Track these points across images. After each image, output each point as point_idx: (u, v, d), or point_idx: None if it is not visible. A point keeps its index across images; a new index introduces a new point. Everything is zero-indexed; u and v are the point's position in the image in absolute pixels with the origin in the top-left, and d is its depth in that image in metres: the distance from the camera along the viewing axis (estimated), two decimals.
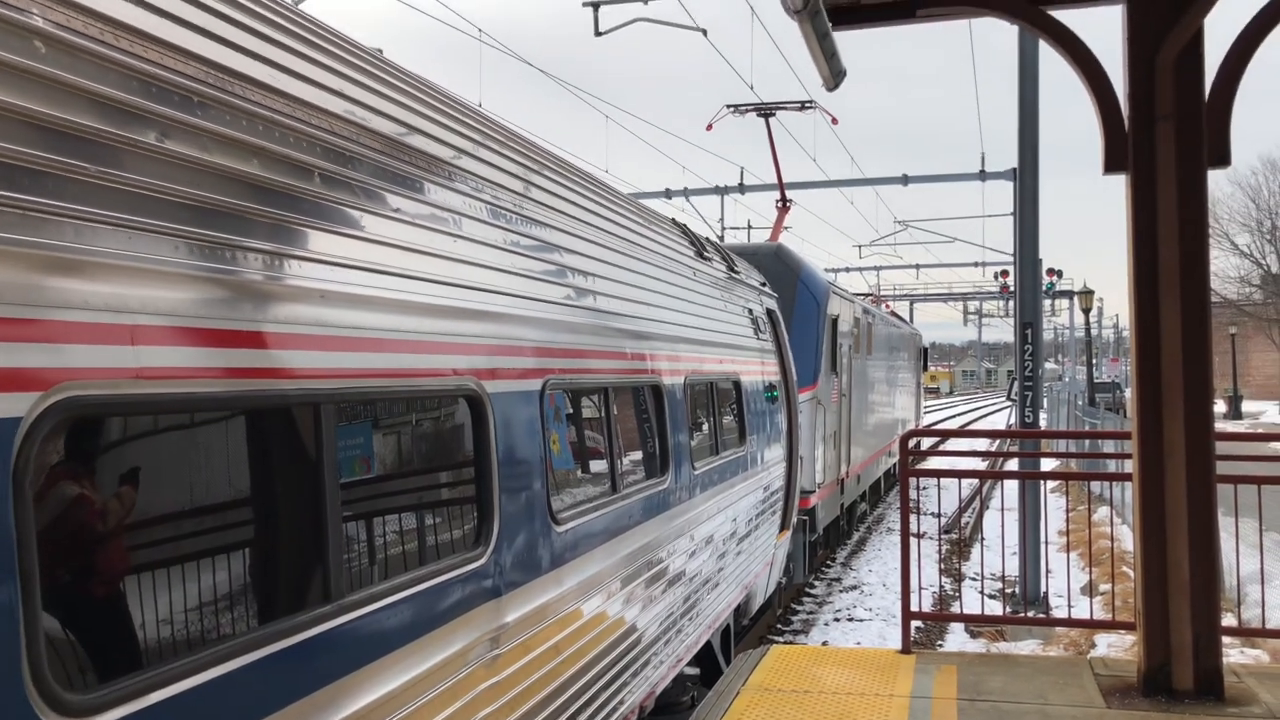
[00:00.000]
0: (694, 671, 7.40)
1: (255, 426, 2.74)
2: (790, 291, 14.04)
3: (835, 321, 15.95)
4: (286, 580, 2.80)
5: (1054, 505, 20.41)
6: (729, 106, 19.06)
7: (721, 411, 7.98)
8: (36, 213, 2.11)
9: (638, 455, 6.01)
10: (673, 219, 8.74)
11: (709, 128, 20.21)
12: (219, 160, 2.67)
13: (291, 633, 2.70)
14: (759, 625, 12.63)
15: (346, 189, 3.19)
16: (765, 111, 18.73)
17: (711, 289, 8.23)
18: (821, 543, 16.63)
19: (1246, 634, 8.66)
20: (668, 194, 26.30)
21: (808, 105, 19.04)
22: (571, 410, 5.05)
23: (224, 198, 2.62)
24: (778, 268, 14.02)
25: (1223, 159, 5.76)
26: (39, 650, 1.99)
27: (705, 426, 7.49)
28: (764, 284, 10.84)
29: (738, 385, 8.51)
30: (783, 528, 10.59)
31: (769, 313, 10.47)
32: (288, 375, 2.75)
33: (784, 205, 19.82)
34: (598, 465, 5.36)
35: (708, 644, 7.67)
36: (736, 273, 9.44)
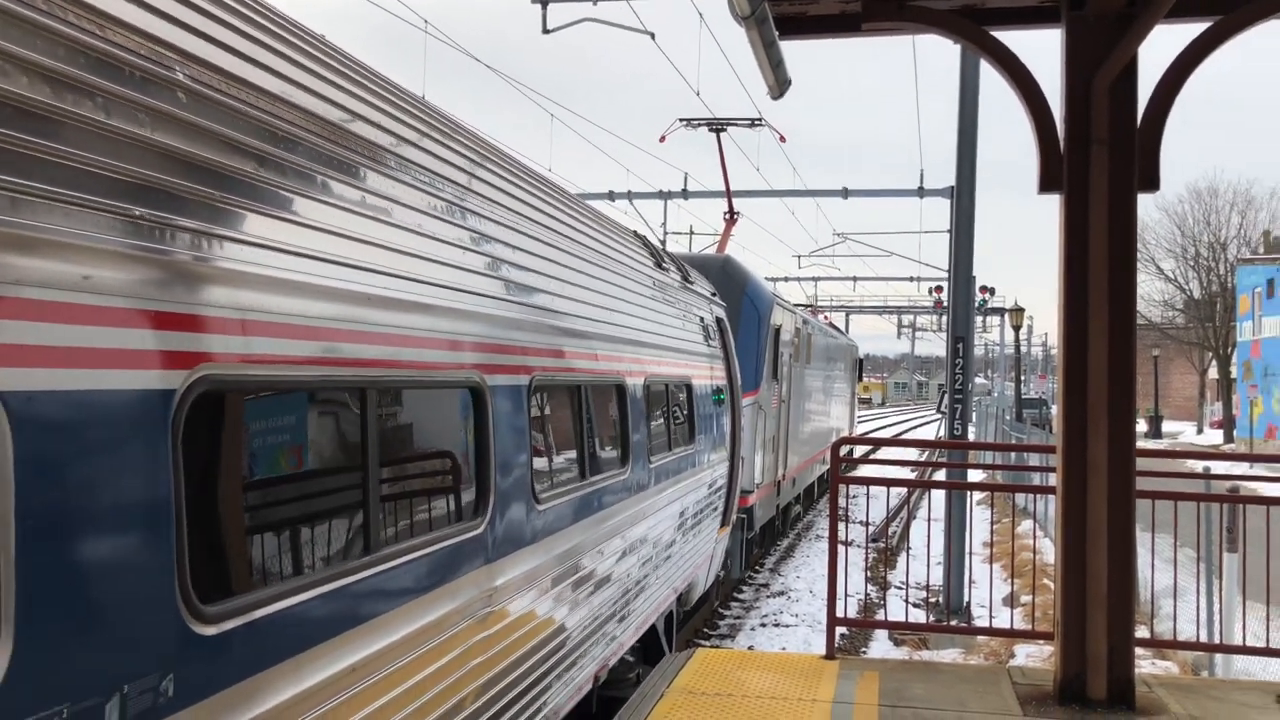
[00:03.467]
0: (636, 660, 7.89)
1: (328, 406, 3.40)
2: (737, 301, 14.57)
3: (778, 331, 16.52)
4: (340, 535, 3.39)
5: (980, 517, 20.81)
6: (681, 120, 19.70)
7: (674, 411, 8.57)
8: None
9: (604, 447, 6.56)
10: (634, 231, 9.14)
11: (662, 139, 20.68)
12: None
13: (347, 574, 3.30)
14: (686, 629, 12.75)
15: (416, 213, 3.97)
16: (716, 127, 19.15)
17: (669, 297, 8.79)
18: (758, 541, 17.19)
19: (1159, 645, 8.91)
20: (611, 196, 26.25)
21: (757, 123, 19.54)
22: (551, 404, 5.59)
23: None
24: (725, 278, 14.54)
25: (1153, 183, 5.93)
26: (185, 570, 2.53)
27: (660, 424, 8.05)
28: (714, 293, 11.33)
29: (689, 388, 9.05)
30: (723, 523, 11.06)
31: (718, 321, 10.99)
32: (352, 364, 3.37)
33: (731, 218, 20.28)
34: (571, 454, 5.94)
35: (653, 627, 8.10)
36: (690, 282, 9.99)
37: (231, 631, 2.70)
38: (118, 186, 2.43)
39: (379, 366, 3.56)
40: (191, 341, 2.61)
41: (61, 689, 2.14)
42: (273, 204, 3.03)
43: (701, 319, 10.12)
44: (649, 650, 8.40)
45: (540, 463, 5.24)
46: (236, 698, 2.70)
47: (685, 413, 8.97)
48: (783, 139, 21.89)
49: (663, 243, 27.82)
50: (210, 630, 2.62)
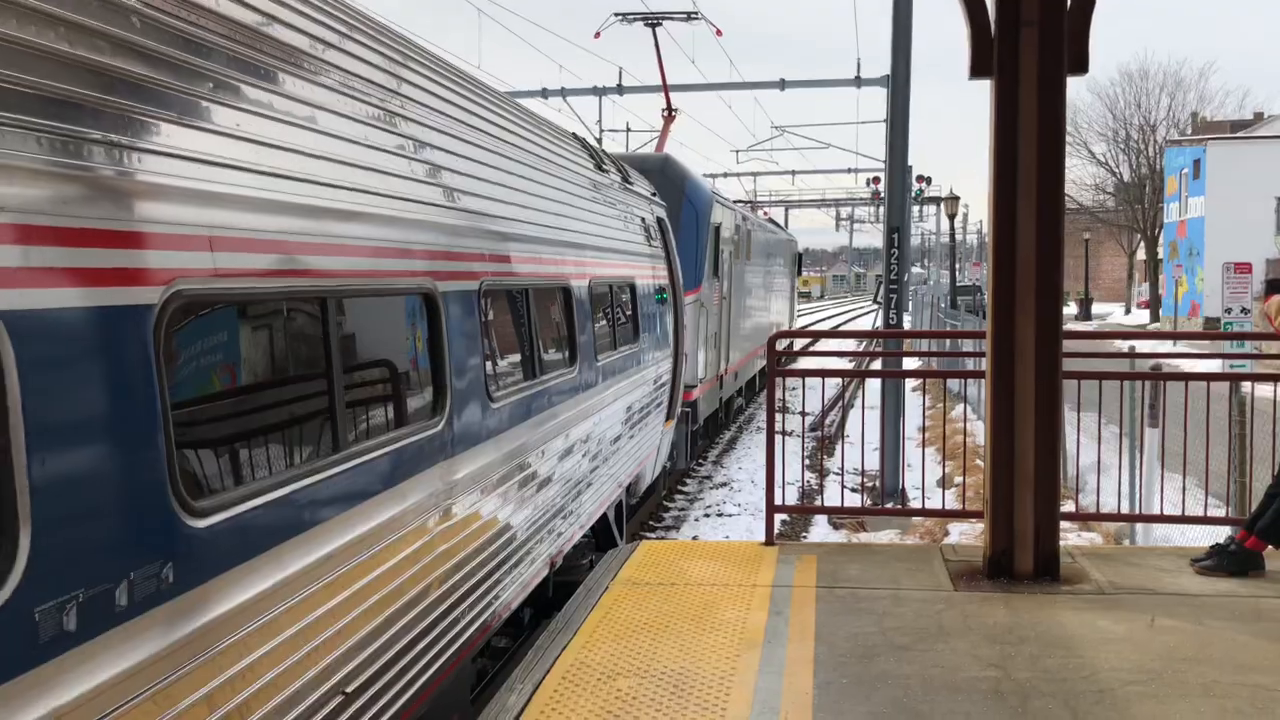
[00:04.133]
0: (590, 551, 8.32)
1: (303, 315, 3.66)
2: (677, 200, 14.81)
3: (718, 229, 16.84)
4: (312, 435, 3.67)
5: (914, 403, 21.30)
6: (616, 15, 19.59)
7: (619, 311, 8.88)
8: None
9: (552, 348, 6.87)
10: (574, 134, 9.20)
11: (596, 35, 20.46)
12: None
13: (320, 470, 3.57)
14: (635, 518, 13.08)
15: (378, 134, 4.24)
16: (652, 22, 19.08)
17: (610, 199, 8.98)
18: (702, 433, 17.85)
19: (1083, 519, 9.28)
20: (544, 94, 25.63)
21: (693, 16, 19.44)
22: (500, 309, 5.85)
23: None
24: (665, 178, 14.70)
25: (1081, 66, 5.93)
26: (175, 467, 2.78)
27: (605, 325, 8.37)
28: (654, 194, 11.59)
29: (632, 288, 9.35)
30: (669, 417, 11.50)
31: (659, 221, 11.26)
32: (311, 275, 3.58)
33: (669, 115, 20.33)
34: (521, 356, 6.25)
35: (604, 517, 8.51)
36: (630, 184, 10.19)
37: (219, 524, 2.97)
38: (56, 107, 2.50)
39: (336, 277, 3.77)
40: (165, 259, 2.81)
41: (76, 577, 2.43)
42: (224, 122, 3.17)
43: (643, 219, 10.32)
44: (600, 539, 8.79)
45: (492, 365, 5.50)
46: (226, 584, 2.99)
47: (629, 313, 9.25)
48: (719, 32, 21.71)
49: (599, 141, 27.42)
50: (201, 524, 2.89)
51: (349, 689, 3.72)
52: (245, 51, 3.34)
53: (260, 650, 3.15)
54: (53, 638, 2.34)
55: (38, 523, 2.32)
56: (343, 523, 3.71)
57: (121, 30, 2.77)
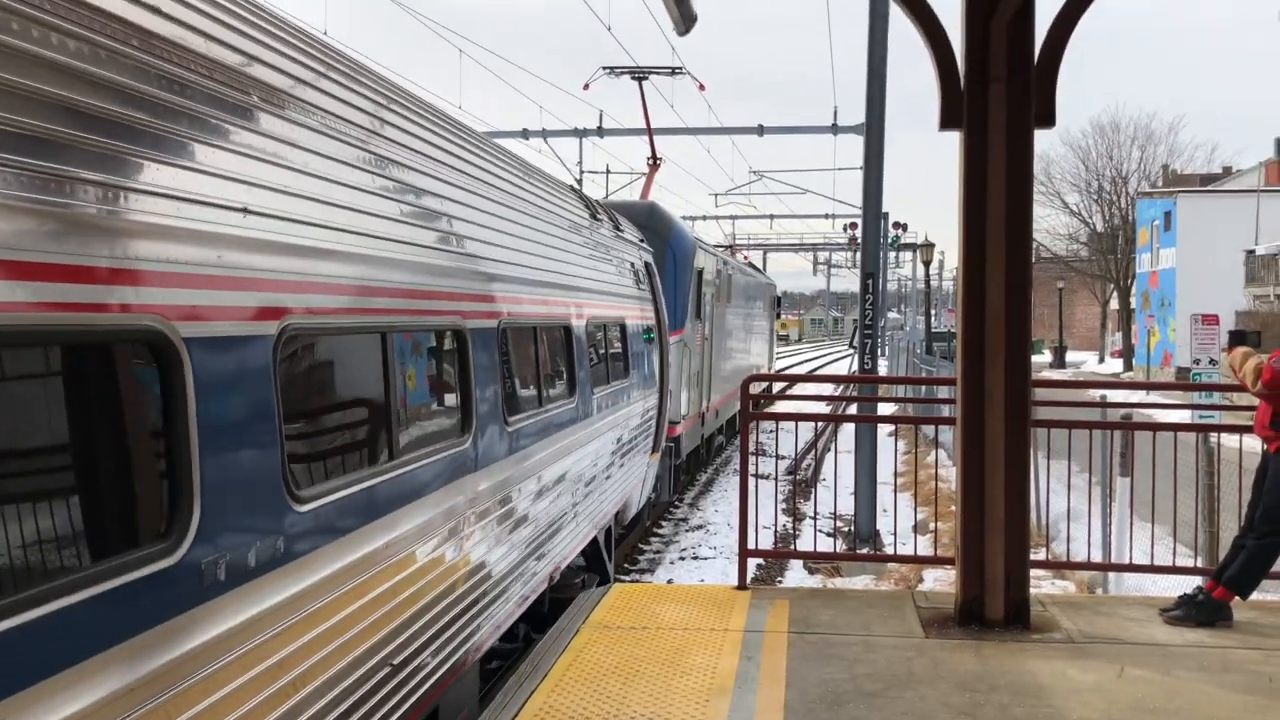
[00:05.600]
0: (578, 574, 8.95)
1: (368, 345, 4.40)
2: (662, 245, 15.52)
3: (700, 273, 17.60)
4: (379, 444, 4.42)
5: (890, 448, 21.38)
6: (605, 68, 20.50)
7: (612, 349, 9.59)
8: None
9: (557, 380, 7.58)
10: (571, 185, 10.35)
11: (586, 87, 21.39)
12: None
13: (384, 473, 4.30)
14: (621, 547, 13.17)
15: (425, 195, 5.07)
16: (639, 76, 19.99)
17: (604, 246, 9.74)
18: (684, 468, 18.49)
19: (1054, 566, 9.32)
20: (525, 134, 25.85)
21: (678, 71, 20.40)
22: (515, 344, 6.50)
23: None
24: (651, 224, 15.45)
25: (1049, 119, 6.07)
26: (286, 463, 3.48)
27: (599, 360, 9.02)
28: (642, 240, 12.36)
29: (623, 328, 10.03)
30: (654, 450, 12.12)
31: (646, 265, 11.98)
32: (381, 313, 4.38)
33: (654, 163, 21.00)
34: (531, 386, 6.93)
35: (594, 541, 9.09)
36: (621, 231, 10.96)
37: (314, 510, 3.68)
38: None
39: (391, 314, 4.50)
40: (279, 300, 3.52)
41: (225, 543, 3.12)
42: (326, 195, 3.98)
43: (632, 264, 11.05)
44: (591, 563, 9.41)
45: (508, 393, 6.17)
46: (322, 557, 3.72)
47: (620, 350, 9.93)
48: (702, 87, 22.40)
49: (579, 182, 27.63)
50: (302, 509, 3.59)
51: (395, 661, 4.37)
52: (356, 154, 4.32)
53: (337, 616, 3.82)
54: (210, 584, 3.04)
55: (204, 500, 3.01)
56: (400, 516, 4.42)
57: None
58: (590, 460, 8.33)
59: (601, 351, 9.09)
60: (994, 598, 6.08)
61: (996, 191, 6.01)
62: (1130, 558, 8.28)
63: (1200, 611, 6.12)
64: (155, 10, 3.06)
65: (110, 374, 2.85)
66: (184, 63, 3.12)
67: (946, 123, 6.10)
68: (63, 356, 2.69)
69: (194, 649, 2.93)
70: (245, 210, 3.34)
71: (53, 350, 2.66)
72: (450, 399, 5.34)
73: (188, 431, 2.95)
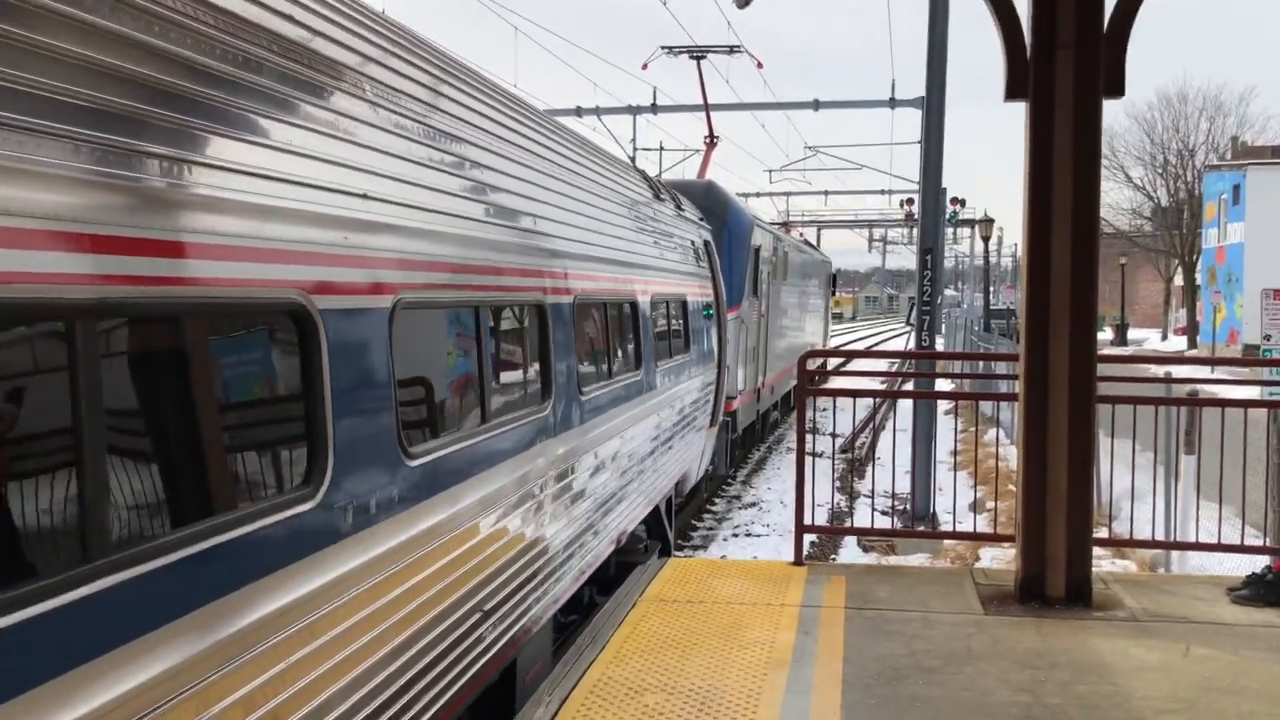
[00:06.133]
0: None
1: (464, 318, 4.85)
2: (720, 224, 15.78)
3: (757, 251, 17.91)
4: (474, 408, 4.86)
5: (947, 427, 21.12)
6: (663, 48, 21.03)
7: (674, 324, 10.00)
8: None
9: (624, 353, 7.98)
10: (635, 166, 10.69)
11: (644, 67, 21.63)
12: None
13: (480, 434, 4.77)
14: (681, 517, 13.34)
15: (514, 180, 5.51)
16: (697, 55, 20.24)
17: (667, 226, 10.11)
18: (740, 442, 18.77)
19: (1116, 544, 9.18)
20: (579, 112, 25.80)
21: (735, 49, 20.58)
22: (587, 318, 6.90)
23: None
24: (709, 202, 15.66)
25: (1118, 89, 5.92)
26: (399, 421, 3.90)
27: (663, 335, 9.42)
28: (701, 219, 12.64)
29: (684, 304, 10.39)
30: (712, 423, 12.36)
31: (705, 243, 12.29)
32: (474, 289, 4.80)
33: (712, 142, 21.12)
34: (602, 359, 7.32)
35: (656, 509, 9.49)
36: (682, 210, 11.28)
37: (423, 465, 4.09)
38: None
39: (483, 290, 4.90)
40: (395, 277, 3.93)
41: (351, 491, 3.52)
42: (439, 184, 4.49)
43: (692, 242, 11.38)
44: (652, 530, 9.80)
45: (581, 364, 6.56)
46: (427, 508, 4.13)
47: (682, 325, 10.32)
48: (760, 65, 22.29)
49: (633, 159, 27.60)
50: (413, 464, 4.00)
51: (487, 607, 4.78)
52: (455, 144, 4.73)
53: (440, 562, 4.22)
54: (338, 528, 3.42)
55: (336, 452, 3.42)
56: (494, 474, 4.88)
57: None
58: (653, 431, 8.71)
59: (664, 327, 9.45)
60: (1055, 575, 6.00)
61: (1063, 164, 5.89)
62: (1196, 537, 8.12)
63: (1269, 591, 6.00)
64: (336, 42, 3.75)
65: (268, 340, 3.32)
66: (337, 81, 3.71)
67: (1012, 93, 5.98)
68: (233, 325, 3.16)
69: (328, 582, 3.34)
70: (365, 196, 3.75)
71: (227, 320, 3.11)
72: (532, 369, 5.75)
73: (324, 392, 3.37)
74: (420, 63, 4.57)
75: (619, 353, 7.77)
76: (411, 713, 3.98)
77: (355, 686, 3.52)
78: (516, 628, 5.23)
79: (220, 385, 3.09)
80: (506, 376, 5.42)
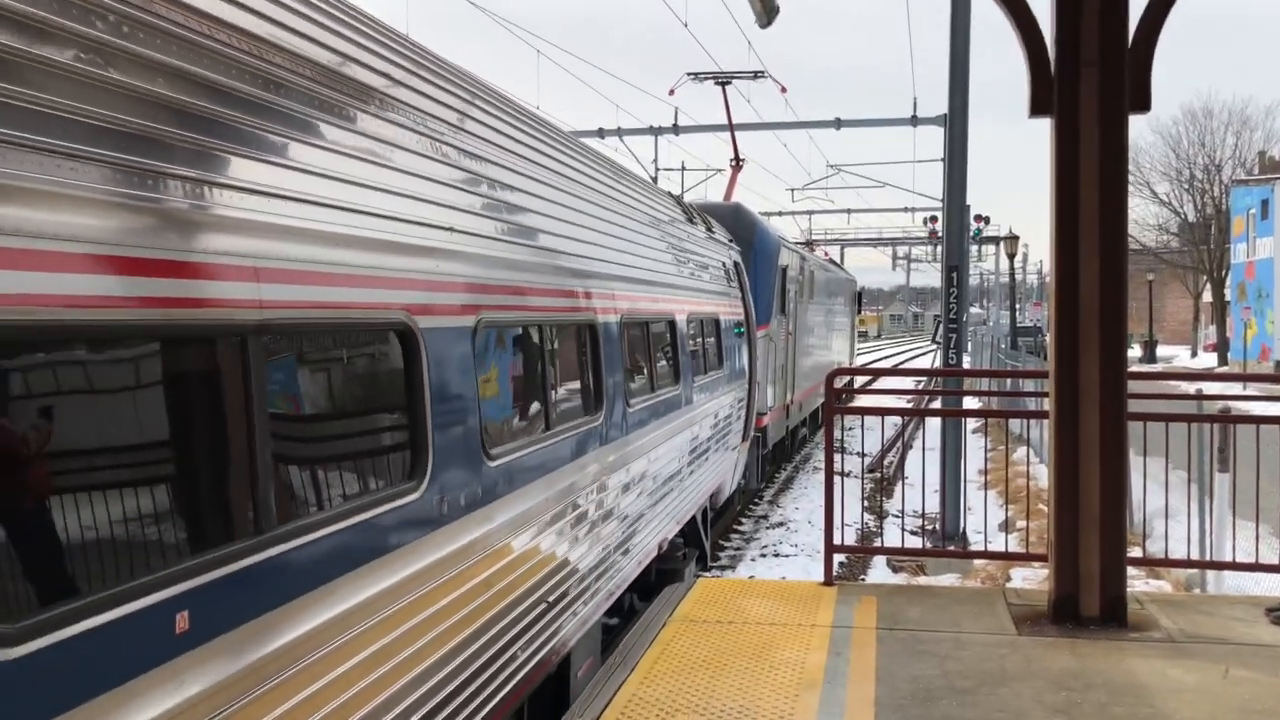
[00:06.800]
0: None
1: (531, 335, 5.48)
2: (748, 245, 16.24)
3: (784, 270, 18.38)
4: (540, 416, 5.47)
5: (975, 445, 20.95)
6: (689, 74, 21.06)
7: (708, 342, 10.54)
8: None
9: (665, 368, 8.51)
10: (669, 192, 11.27)
11: (671, 92, 22.13)
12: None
13: (543, 441, 5.34)
14: (715, 529, 13.40)
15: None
16: (722, 81, 20.73)
17: (699, 248, 10.64)
18: (770, 458, 19.12)
19: (1150, 564, 9.06)
20: (601, 133, 25.91)
21: (760, 75, 21.10)
22: (630, 336, 7.37)
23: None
24: (737, 224, 16.21)
25: (1143, 104, 5.89)
26: (483, 426, 4.51)
27: (699, 351, 9.98)
28: (731, 240, 13.19)
29: (717, 323, 10.95)
30: (744, 438, 12.84)
31: (735, 264, 12.85)
32: (538, 310, 5.42)
33: (737, 165, 21.43)
34: (645, 372, 7.87)
35: (693, 519, 9.96)
36: (713, 233, 11.87)
37: (499, 465, 4.62)
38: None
39: (546, 311, 5.51)
40: (478, 299, 4.56)
41: (447, 485, 4.11)
42: (516, 220, 5.22)
43: (723, 263, 11.90)
44: (689, 540, 10.23)
45: (627, 378, 7.06)
46: (508, 502, 4.71)
47: (715, 343, 10.84)
48: (784, 90, 22.71)
49: (654, 179, 27.74)
50: (492, 464, 4.55)
51: (550, 598, 5.26)
52: (519, 180, 5.31)
53: (512, 554, 4.73)
54: (436, 517, 3.98)
55: (435, 454, 3.98)
56: (556, 478, 5.41)
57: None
58: (690, 443, 9.22)
59: (699, 344, 9.97)
60: (1089, 595, 5.93)
61: (1089, 180, 5.86)
62: (1233, 556, 8.00)
63: None
64: (442, 103, 4.48)
65: (386, 354, 3.87)
66: (438, 135, 4.36)
67: (1036, 109, 5.97)
68: (362, 340, 3.74)
69: (429, 565, 3.88)
70: (451, 229, 4.34)
71: (359, 336, 3.70)
72: (586, 383, 6.30)
73: (425, 397, 3.92)
74: (494, 115, 5.22)
75: (659, 368, 8.29)
76: (492, 687, 4.50)
77: (445, 661, 4.04)
78: (573, 621, 5.67)
79: (359, 390, 3.81)
80: (565, 388, 5.97)
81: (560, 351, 5.89)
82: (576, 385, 6.20)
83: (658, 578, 8.50)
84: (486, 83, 5.41)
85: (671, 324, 8.63)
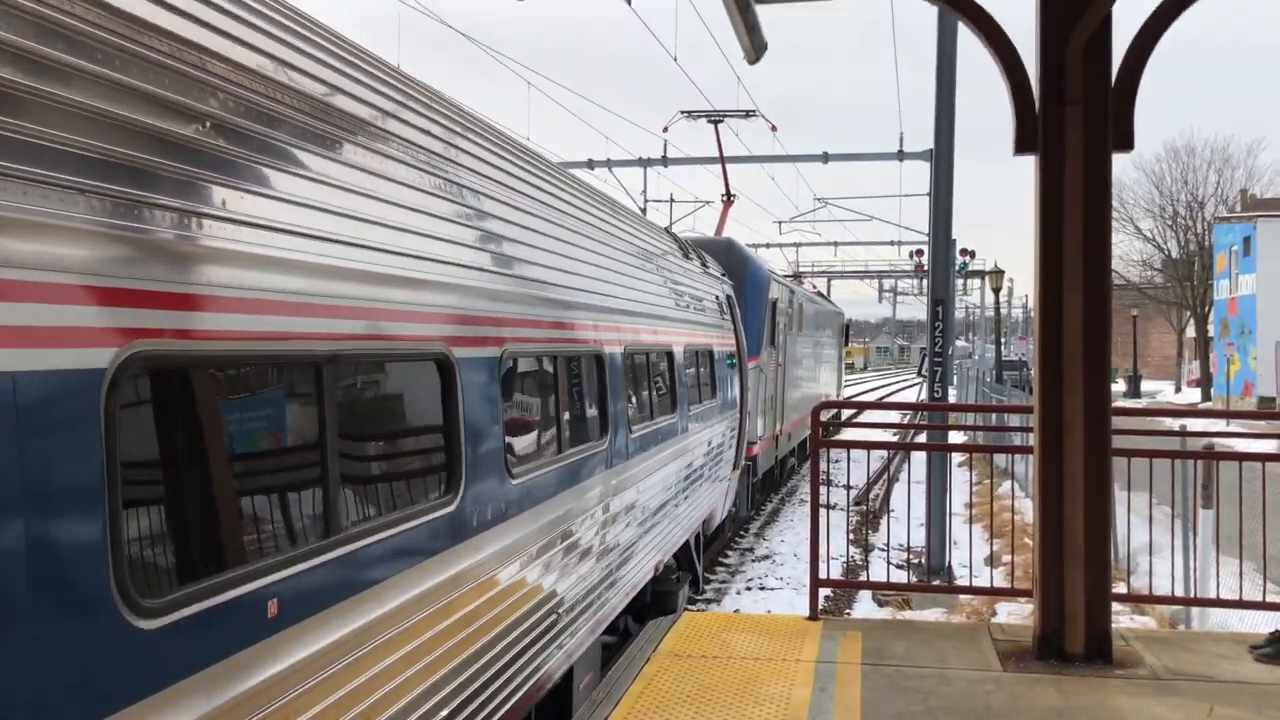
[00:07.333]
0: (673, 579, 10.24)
1: (546, 364, 5.87)
2: (739, 279, 16.48)
3: (774, 303, 18.74)
4: (552, 442, 5.84)
5: (961, 479, 20.98)
6: (683, 112, 21.63)
7: (702, 372, 10.87)
8: None
9: (663, 396, 8.90)
10: (665, 228, 11.81)
11: (665, 129, 22.33)
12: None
13: (555, 464, 5.69)
14: (707, 553, 13.36)
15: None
16: (715, 119, 21.36)
17: (695, 282, 11.03)
18: (759, 487, 19.38)
19: (1135, 600, 9.05)
20: (590, 165, 26.06)
21: (751, 114, 21.61)
22: (631, 366, 7.73)
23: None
24: (729, 259, 16.47)
25: (1127, 143, 5.96)
26: (506, 447, 4.90)
27: (693, 381, 10.30)
28: (724, 275, 13.56)
29: (711, 354, 11.29)
30: (734, 466, 13.07)
31: (728, 297, 13.17)
32: (557, 342, 5.90)
33: (729, 200, 21.77)
34: (644, 401, 8.25)
35: (686, 544, 10.24)
36: (708, 268, 12.26)
37: (520, 483, 5.04)
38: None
39: (561, 343, 5.93)
40: (504, 332, 4.94)
41: (476, 500, 4.50)
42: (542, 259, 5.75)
43: (716, 297, 12.22)
44: (682, 564, 10.54)
45: (629, 405, 7.47)
46: (526, 517, 5.12)
47: (709, 373, 11.20)
48: (774, 128, 23.10)
49: (643, 210, 27.87)
50: (514, 483, 4.97)
51: (559, 610, 5.57)
52: (532, 220, 5.70)
53: (530, 567, 5.13)
54: (468, 528, 4.40)
55: (467, 470, 4.38)
56: (567, 498, 5.80)
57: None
58: (685, 469, 9.62)
59: (694, 374, 10.34)
60: (1074, 630, 5.92)
61: (1074, 216, 5.91)
62: (1217, 593, 8.00)
63: None
64: (471, 154, 5.00)
65: (428, 381, 4.25)
66: (461, 183, 4.75)
67: (1021, 147, 6.03)
68: (410, 370, 4.13)
69: (461, 570, 4.29)
70: (481, 270, 4.80)
71: (408, 366, 4.09)
72: (593, 409, 6.69)
73: (459, 420, 4.35)
74: (521, 169, 5.71)
75: (658, 397, 8.72)
76: (506, 691, 4.82)
77: (472, 661, 4.41)
78: (578, 635, 6.03)
79: (409, 412, 4.27)
80: (575, 414, 6.38)
81: (571, 380, 6.29)
82: (585, 412, 6.60)
83: (653, 599, 8.84)
84: (513, 138, 6.03)
85: (669, 355, 9.03)
